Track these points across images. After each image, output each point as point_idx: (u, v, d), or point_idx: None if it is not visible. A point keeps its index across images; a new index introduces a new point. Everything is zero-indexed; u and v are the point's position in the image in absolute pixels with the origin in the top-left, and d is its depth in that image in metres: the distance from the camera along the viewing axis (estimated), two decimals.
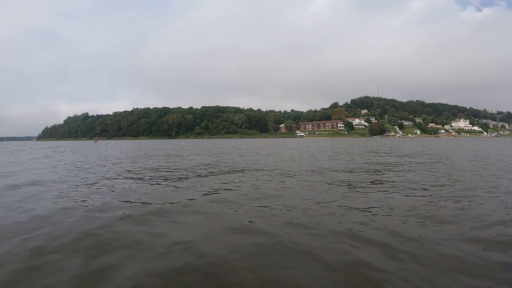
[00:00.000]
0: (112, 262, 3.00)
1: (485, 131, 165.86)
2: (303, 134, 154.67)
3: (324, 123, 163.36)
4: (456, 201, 5.58)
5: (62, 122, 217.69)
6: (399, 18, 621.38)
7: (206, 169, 11.24)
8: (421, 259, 3.09)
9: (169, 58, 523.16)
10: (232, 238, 3.72)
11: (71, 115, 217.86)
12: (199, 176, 9.28)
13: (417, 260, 3.07)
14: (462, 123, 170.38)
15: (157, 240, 3.60)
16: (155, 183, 7.92)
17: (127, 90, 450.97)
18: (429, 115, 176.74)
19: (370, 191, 6.60)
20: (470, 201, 5.57)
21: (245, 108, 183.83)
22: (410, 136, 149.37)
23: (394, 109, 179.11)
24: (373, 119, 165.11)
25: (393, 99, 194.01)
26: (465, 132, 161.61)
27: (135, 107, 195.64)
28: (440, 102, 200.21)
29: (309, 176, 9.01)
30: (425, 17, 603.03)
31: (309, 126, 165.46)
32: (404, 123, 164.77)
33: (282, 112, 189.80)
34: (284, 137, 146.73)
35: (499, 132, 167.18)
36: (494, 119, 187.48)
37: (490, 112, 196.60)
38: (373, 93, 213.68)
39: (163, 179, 8.66)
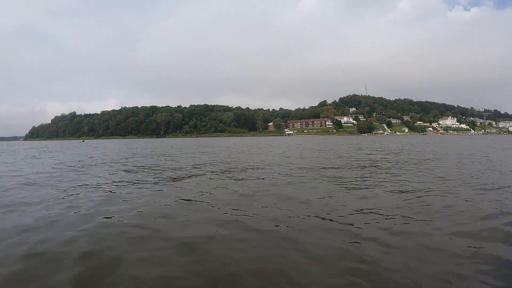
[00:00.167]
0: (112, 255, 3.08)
1: (472, 129, 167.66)
2: (291, 132, 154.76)
3: (313, 121, 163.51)
4: (442, 196, 5.75)
5: (50, 122, 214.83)
6: (388, 17, 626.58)
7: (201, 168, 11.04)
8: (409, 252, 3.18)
9: (157, 56, 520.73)
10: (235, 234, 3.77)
11: (59, 115, 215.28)
12: (193, 176, 8.92)
13: (405, 253, 3.16)
14: (450, 121, 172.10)
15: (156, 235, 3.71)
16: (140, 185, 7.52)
17: (116, 89, 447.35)
18: (417, 113, 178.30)
19: (358, 187, 6.71)
20: (456, 197, 5.71)
21: (234, 107, 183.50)
22: (398, 134, 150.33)
23: (382, 107, 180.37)
24: (361, 117, 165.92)
25: (381, 98, 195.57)
26: (452, 130, 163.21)
27: (123, 106, 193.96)
28: (428, 101, 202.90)
29: (302, 174, 9.04)
30: (413, 17, 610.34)
31: (297, 125, 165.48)
32: (392, 121, 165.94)
33: (270, 110, 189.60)
34: (273, 135, 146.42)
35: (486, 130, 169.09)
36: (481, 117, 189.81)
37: (477, 110, 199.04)
38: (361, 91, 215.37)
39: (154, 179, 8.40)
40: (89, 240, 3.56)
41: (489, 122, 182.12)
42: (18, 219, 4.50)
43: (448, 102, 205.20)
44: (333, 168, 10.43)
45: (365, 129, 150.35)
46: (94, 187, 7.14)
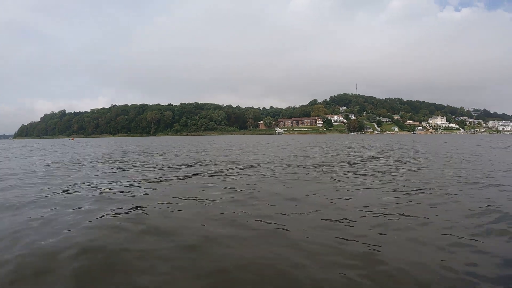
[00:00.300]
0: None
1: (462, 128, 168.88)
2: (282, 131, 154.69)
3: (303, 120, 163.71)
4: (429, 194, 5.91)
5: (39, 120, 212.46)
6: (379, 17, 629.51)
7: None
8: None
9: (148, 54, 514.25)
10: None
11: (49, 113, 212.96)
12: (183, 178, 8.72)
13: (395, 247, 3.30)
14: (439, 120, 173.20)
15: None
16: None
17: (106, 87, 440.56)
18: (407, 112, 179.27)
19: (346, 185, 6.84)
20: (445, 194, 5.85)
21: (224, 105, 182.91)
22: (388, 132, 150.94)
23: (373, 106, 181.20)
24: (351, 116, 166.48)
25: (372, 97, 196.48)
26: (442, 129, 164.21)
27: (114, 104, 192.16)
28: (418, 100, 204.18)
29: (291, 172, 9.20)
30: (404, 17, 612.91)
31: (288, 123, 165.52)
32: (383, 120, 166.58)
33: (261, 109, 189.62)
34: (263, 134, 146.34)
35: (476, 129, 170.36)
36: (471, 117, 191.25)
37: (467, 110, 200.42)
38: (352, 90, 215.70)
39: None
40: (86, 239, 3.56)
41: (479, 122, 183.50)
42: (12, 219, 4.50)
43: (438, 101, 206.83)
44: (323, 166, 10.74)
45: (355, 128, 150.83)
46: (88, 186, 7.13)
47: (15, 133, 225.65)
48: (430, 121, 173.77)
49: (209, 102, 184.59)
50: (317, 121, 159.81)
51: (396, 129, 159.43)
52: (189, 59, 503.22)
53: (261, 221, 4.22)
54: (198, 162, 12.67)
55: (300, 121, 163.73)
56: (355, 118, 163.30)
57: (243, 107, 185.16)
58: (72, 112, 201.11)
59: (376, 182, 7.32)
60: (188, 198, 5.71)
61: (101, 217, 4.46)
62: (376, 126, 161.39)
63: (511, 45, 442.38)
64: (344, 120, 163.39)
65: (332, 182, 7.29)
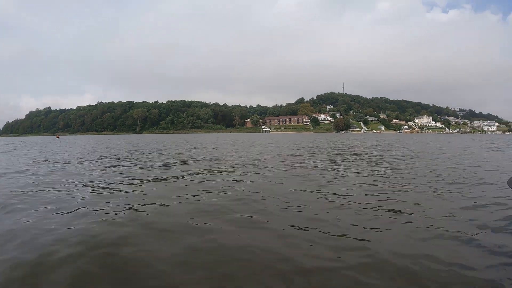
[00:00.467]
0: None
1: (447, 128, 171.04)
2: (268, 129, 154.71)
3: (290, 118, 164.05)
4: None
5: (24, 117, 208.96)
6: (367, 17, 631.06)
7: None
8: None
9: (135, 51, 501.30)
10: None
11: (34, 110, 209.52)
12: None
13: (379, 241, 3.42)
14: (425, 120, 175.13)
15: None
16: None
17: (92, 84, 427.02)
18: (393, 112, 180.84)
19: (331, 183, 7.02)
20: (430, 192, 6.03)
21: (211, 103, 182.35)
22: (375, 131, 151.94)
23: (359, 105, 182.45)
24: (338, 115, 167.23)
25: (358, 96, 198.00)
26: (428, 129, 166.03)
27: (100, 101, 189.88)
28: (404, 99, 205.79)
29: (275, 172, 9.30)
30: (392, 17, 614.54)
31: (275, 121, 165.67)
32: (369, 119, 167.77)
33: (248, 107, 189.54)
34: (250, 132, 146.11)
35: (461, 129, 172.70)
36: (456, 116, 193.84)
37: (453, 109, 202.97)
38: (338, 89, 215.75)
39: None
40: (83, 237, 3.58)
41: (464, 122, 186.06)
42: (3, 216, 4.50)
43: (424, 101, 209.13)
44: (309, 162, 11.16)
45: (342, 126, 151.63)
46: (81, 184, 7.11)
47: (0, 130, 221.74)
48: (416, 121, 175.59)
49: (196, 100, 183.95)
50: (304, 120, 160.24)
51: (382, 128, 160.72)
52: (176, 57, 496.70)
53: (251, 216, 4.36)
54: (192, 159, 12.95)
55: (287, 120, 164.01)
56: (341, 117, 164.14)
57: (230, 105, 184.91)
58: (58, 109, 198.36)
59: (361, 178, 7.64)
60: (182, 195, 5.77)
61: (96, 215, 4.51)
62: (362, 125, 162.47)
63: (497, 47, 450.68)
64: (331, 119, 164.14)
65: (318, 179, 7.51)
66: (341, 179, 7.60)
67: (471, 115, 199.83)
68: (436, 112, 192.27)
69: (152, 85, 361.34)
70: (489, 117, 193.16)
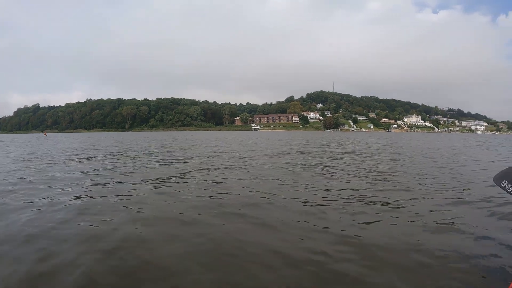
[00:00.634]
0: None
1: (436, 127, 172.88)
2: (258, 127, 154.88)
3: (279, 117, 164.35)
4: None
5: (12, 114, 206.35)
6: (358, 16, 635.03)
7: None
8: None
9: (124, 48, 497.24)
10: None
11: (22, 107, 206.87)
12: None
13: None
14: (414, 119, 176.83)
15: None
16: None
17: (81, 81, 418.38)
18: (383, 111, 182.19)
19: (318, 180, 7.19)
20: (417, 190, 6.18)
21: (201, 101, 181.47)
22: (364, 130, 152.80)
23: (349, 104, 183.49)
24: (328, 113, 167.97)
25: (348, 94, 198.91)
26: (416, 128, 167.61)
27: (89, 98, 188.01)
28: (394, 98, 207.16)
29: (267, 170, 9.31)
30: (382, 17, 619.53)
31: (264, 119, 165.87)
32: (358, 118, 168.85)
33: (237, 105, 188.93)
34: (240, 129, 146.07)
35: (449, 128, 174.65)
36: (445, 116, 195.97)
37: (441, 109, 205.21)
38: (328, 88, 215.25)
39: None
40: (81, 237, 3.60)
41: (453, 121, 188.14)
42: None
43: (413, 100, 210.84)
44: (298, 158, 11.59)
45: (331, 125, 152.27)
46: (75, 183, 7.10)
47: None
48: (405, 120, 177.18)
49: (185, 98, 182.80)
50: (294, 118, 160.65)
51: (372, 126, 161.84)
52: (166, 54, 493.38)
53: (243, 213, 4.45)
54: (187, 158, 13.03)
55: (277, 118, 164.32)
56: (331, 115, 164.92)
57: (220, 103, 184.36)
58: (46, 107, 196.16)
59: (349, 174, 7.88)
60: (182, 196, 5.81)
61: (94, 213, 4.54)
62: (352, 123, 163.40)
63: (486, 47, 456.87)
64: (320, 117, 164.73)
65: (306, 176, 7.73)
66: (329, 175, 7.87)
67: (460, 115, 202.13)
68: (425, 112, 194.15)
69: (142, 82, 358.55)
70: (477, 117, 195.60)
